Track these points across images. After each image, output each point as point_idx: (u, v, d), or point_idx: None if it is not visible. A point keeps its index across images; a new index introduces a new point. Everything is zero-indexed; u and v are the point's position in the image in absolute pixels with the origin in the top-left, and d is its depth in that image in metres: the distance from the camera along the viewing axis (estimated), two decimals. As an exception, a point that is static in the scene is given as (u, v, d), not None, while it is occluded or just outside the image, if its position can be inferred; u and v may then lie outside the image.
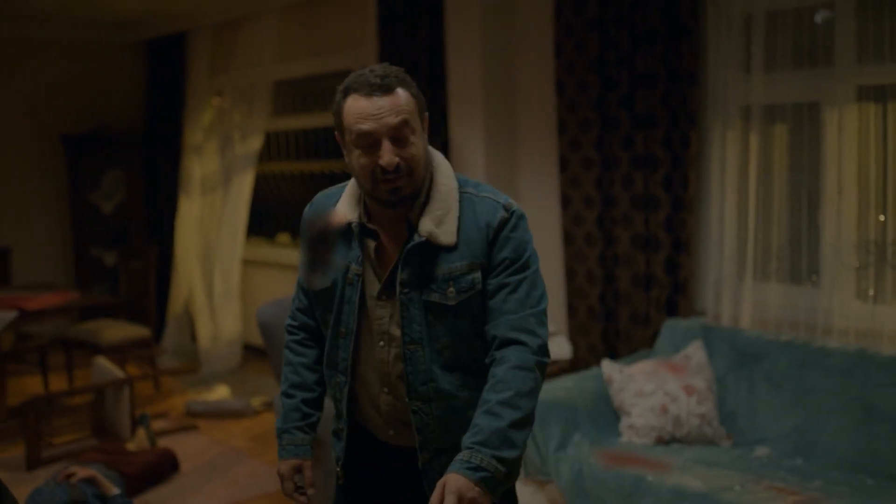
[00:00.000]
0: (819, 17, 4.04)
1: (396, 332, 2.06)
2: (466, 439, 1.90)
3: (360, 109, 1.93)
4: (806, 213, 4.14)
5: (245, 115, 7.20)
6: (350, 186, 2.13)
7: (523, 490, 3.89)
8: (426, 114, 2.05)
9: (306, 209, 2.22)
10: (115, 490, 4.28)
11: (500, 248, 2.02)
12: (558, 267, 5.09)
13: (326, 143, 7.14)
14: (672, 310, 4.50)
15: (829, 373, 3.70)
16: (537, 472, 3.81)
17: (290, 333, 2.30)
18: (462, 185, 2.07)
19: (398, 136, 1.94)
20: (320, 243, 2.10)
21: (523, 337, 1.99)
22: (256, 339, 7.04)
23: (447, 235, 2.00)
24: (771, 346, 3.92)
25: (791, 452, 3.69)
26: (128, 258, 6.86)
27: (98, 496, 4.22)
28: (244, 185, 7.15)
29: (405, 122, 1.94)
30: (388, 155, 1.92)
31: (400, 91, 1.96)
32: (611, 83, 4.67)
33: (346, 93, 1.98)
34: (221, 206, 7.37)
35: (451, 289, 2.01)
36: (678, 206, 4.45)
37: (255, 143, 7.08)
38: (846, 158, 3.92)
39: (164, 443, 5.21)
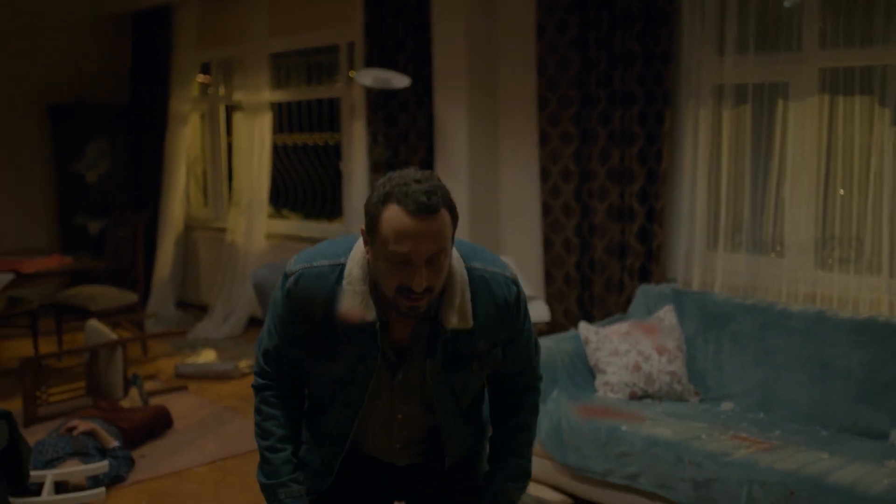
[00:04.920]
0: (787, 3, 4.31)
1: (417, 409, 2.12)
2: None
3: (403, 227, 1.82)
4: (772, 188, 4.41)
5: (238, 89, 7.36)
6: (353, 278, 1.99)
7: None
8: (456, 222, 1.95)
9: (290, 284, 2.03)
10: (114, 442, 4.51)
11: (517, 317, 2.10)
12: (537, 237, 5.34)
13: (309, 117, 7.34)
14: (645, 277, 4.78)
15: (789, 333, 3.98)
16: (518, 425, 4.06)
17: (266, 389, 2.18)
18: (466, 258, 2.03)
19: (433, 261, 1.86)
20: (327, 332, 2.02)
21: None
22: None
23: (466, 321, 1.99)
24: (737, 309, 4.20)
25: (754, 407, 3.99)
26: (115, 226, 7.00)
27: (98, 448, 4.44)
28: (263, 160, 7.24)
29: (443, 250, 1.86)
30: (419, 279, 1.84)
31: (443, 213, 1.86)
32: (590, 63, 4.91)
33: (387, 199, 1.84)
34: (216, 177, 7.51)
35: (476, 365, 2.08)
36: (652, 180, 4.71)
37: (264, 116, 7.22)
38: (808, 135, 4.20)
39: (155, 402, 5.39)
